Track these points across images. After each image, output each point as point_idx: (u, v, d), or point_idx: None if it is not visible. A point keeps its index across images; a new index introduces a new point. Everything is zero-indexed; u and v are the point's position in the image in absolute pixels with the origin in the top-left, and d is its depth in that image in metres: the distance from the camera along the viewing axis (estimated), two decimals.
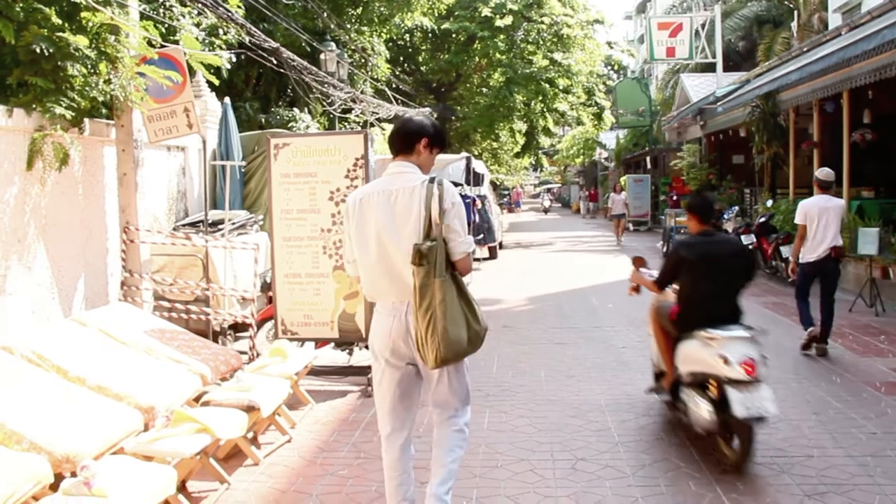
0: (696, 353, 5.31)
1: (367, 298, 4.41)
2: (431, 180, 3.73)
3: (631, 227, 28.58)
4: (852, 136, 13.61)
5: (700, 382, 5.32)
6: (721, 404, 5.02)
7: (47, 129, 6.51)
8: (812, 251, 8.15)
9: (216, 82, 8.90)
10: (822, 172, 8.58)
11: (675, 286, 5.69)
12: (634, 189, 30.16)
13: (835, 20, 21.42)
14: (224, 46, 11.74)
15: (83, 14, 6.78)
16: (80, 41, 6.48)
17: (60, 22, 6.55)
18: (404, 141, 3.92)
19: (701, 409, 5.14)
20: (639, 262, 6.20)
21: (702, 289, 5.42)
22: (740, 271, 5.54)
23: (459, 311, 3.63)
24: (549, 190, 71.80)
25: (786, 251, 13.00)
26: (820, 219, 8.08)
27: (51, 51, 6.30)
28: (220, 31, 11.79)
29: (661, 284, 5.79)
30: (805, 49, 17.26)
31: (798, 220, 8.29)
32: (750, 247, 14.65)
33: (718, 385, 5.09)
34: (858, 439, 5.46)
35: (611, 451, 5.36)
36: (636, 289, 6.24)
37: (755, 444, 4.97)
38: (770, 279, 13.82)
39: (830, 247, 8.04)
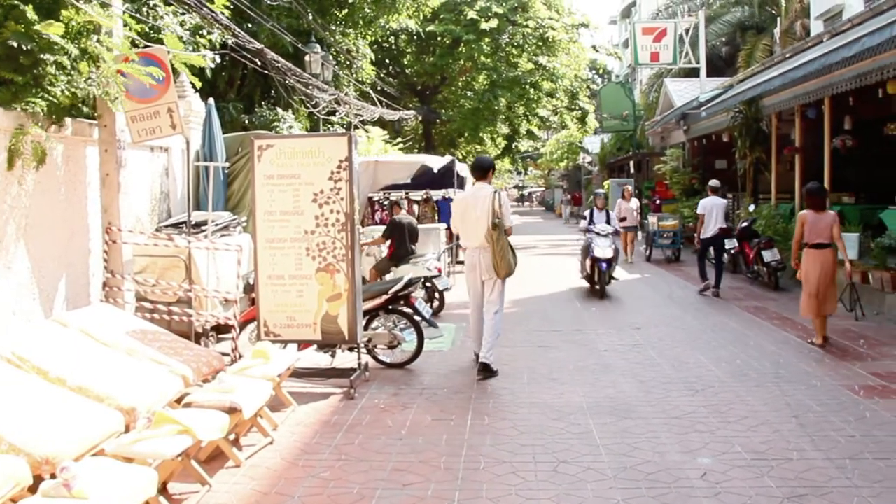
0: (409, 270, 10.93)
1: (463, 246, 8.23)
2: (495, 192, 7.77)
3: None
4: (833, 141, 13.73)
5: (424, 283, 10.65)
6: (429, 289, 11.04)
7: (27, 128, 6.45)
8: (708, 231, 13.03)
9: (199, 84, 8.87)
10: (713, 182, 13.72)
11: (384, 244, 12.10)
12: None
13: (816, 27, 21.59)
14: (207, 46, 11.70)
15: (64, 12, 6.73)
16: (56, 30, 6.39)
17: (39, 19, 6.48)
18: (483, 171, 8.07)
19: (425, 291, 10.84)
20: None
21: (404, 240, 11.67)
22: (414, 232, 12.04)
23: (511, 251, 7.77)
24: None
25: (767, 256, 13.10)
26: (712, 211, 13.07)
27: (28, 47, 6.24)
28: (204, 31, 11.75)
29: (386, 237, 11.91)
30: (787, 55, 17.39)
31: (699, 211, 13.31)
32: (732, 251, 14.73)
33: (427, 279, 10.70)
34: (837, 442, 5.51)
35: (592, 454, 5.38)
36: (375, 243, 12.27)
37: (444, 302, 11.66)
38: (752, 283, 13.90)
39: (719, 227, 12.97)
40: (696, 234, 13.52)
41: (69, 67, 6.74)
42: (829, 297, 8.75)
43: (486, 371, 7.60)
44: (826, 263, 8.68)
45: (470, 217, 7.78)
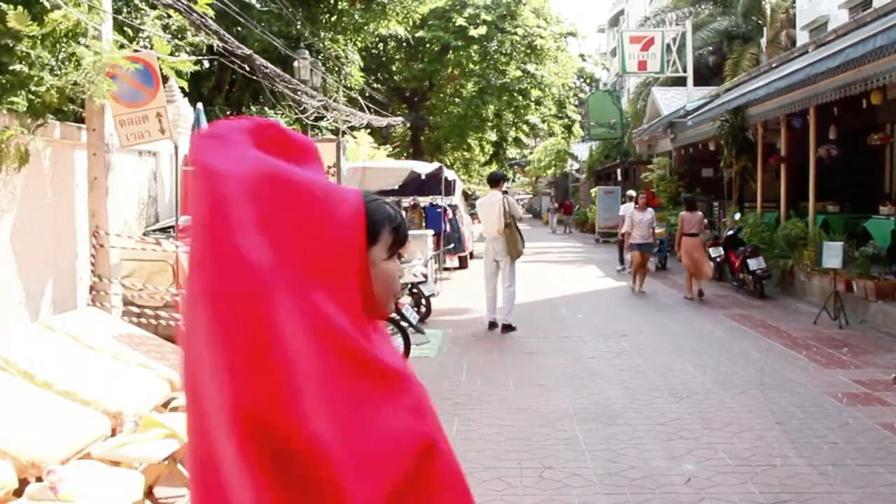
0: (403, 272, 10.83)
1: (484, 235, 11.33)
2: (504, 197, 10.30)
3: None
4: (818, 151, 13.86)
5: (410, 289, 10.94)
6: (416, 294, 11.10)
7: (11, 129, 6.40)
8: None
9: (186, 86, 8.84)
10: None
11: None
12: (605, 201, 30.30)
13: (802, 37, 21.81)
14: (190, 51, 11.67)
15: (50, 16, 6.68)
16: (42, 52, 6.34)
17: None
18: (495, 181, 10.85)
19: (411, 297, 10.96)
20: None
21: None
22: None
23: (521, 239, 10.42)
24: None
25: (753, 264, 13.18)
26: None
27: (11, 43, 6.17)
28: (189, 34, 11.72)
29: None
30: (773, 65, 17.53)
31: (625, 223, 15.62)
32: (718, 259, 14.83)
33: (414, 285, 10.91)
34: (820, 449, 5.56)
35: (578, 460, 5.41)
36: None
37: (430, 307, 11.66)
38: (737, 291, 14.00)
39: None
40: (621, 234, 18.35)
41: (55, 67, 6.68)
42: (702, 267, 13.36)
43: (509, 328, 10.41)
44: (695, 245, 13.42)
45: (487, 214, 10.58)
